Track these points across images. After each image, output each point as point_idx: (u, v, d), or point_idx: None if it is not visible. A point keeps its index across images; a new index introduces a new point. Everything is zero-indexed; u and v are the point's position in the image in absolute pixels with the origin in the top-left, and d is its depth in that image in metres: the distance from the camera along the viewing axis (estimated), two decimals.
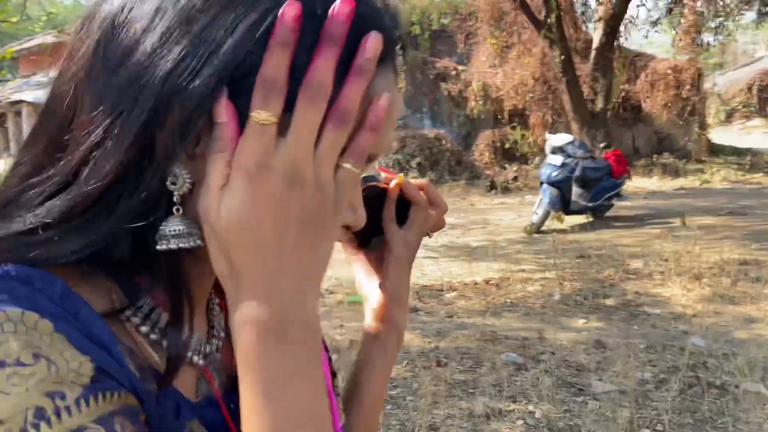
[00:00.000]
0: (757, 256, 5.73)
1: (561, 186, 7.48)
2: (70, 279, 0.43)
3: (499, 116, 14.16)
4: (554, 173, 7.55)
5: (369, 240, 0.68)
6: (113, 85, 0.42)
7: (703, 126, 14.32)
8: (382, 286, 0.68)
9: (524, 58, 13.98)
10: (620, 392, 3.25)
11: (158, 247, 0.43)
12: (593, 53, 13.02)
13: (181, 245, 0.43)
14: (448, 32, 14.77)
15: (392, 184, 0.66)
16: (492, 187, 11.88)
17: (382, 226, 0.66)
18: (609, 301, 4.81)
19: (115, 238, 0.43)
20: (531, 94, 13.79)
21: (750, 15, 13.72)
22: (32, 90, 14.89)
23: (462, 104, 14.07)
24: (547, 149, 8.04)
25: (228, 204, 0.41)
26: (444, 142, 12.96)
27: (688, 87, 13.87)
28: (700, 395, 3.18)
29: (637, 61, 14.49)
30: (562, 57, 11.58)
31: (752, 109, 22.89)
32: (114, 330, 0.43)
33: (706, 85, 15.24)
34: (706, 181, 11.92)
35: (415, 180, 0.68)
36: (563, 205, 7.57)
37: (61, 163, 0.44)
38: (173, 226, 0.43)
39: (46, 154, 0.45)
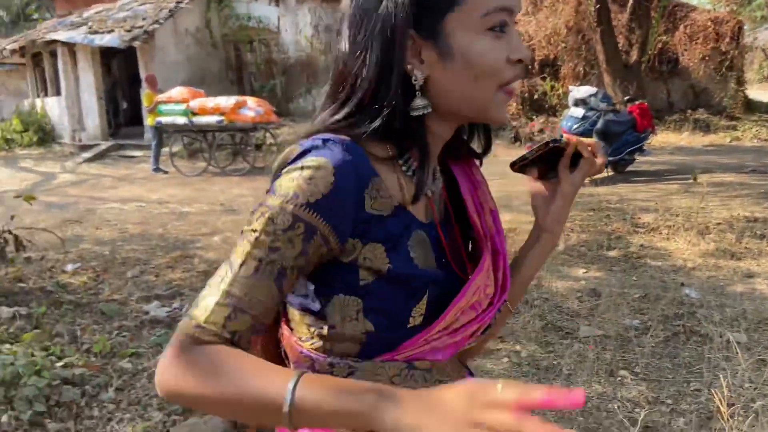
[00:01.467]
0: (767, 214, 5.69)
1: None
2: (367, 143, 0.81)
3: (529, 66, 13.88)
4: (575, 126, 7.50)
5: (547, 177, 0.96)
6: (358, 39, 0.80)
7: (741, 82, 13.81)
8: (549, 207, 0.96)
9: (558, 6, 13.59)
10: (605, 336, 3.38)
11: (412, 113, 0.81)
12: (630, 2, 12.58)
13: (423, 112, 0.82)
14: None
15: (570, 142, 0.94)
16: (516, 138, 11.80)
17: (558, 170, 0.94)
18: (612, 253, 4.88)
19: (388, 118, 0.80)
20: (564, 44, 13.46)
21: None
22: (66, 30, 15.02)
23: None
24: (570, 101, 7.95)
25: None
26: None
27: (727, 40, 13.35)
28: (683, 343, 3.29)
29: (676, 12, 13.93)
30: (598, 5, 11.23)
31: None
32: (385, 168, 0.82)
33: (749, 39, 14.62)
34: (736, 139, 11.62)
35: (587, 139, 0.97)
36: None
37: (347, 86, 0.82)
38: (418, 102, 0.81)
39: (335, 90, 0.84)
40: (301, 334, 0.87)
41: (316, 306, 0.83)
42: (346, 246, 0.79)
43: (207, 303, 0.76)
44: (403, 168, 0.85)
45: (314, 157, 0.77)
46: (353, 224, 0.79)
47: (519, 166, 0.96)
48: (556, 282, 4.27)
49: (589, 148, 0.94)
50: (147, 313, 3.83)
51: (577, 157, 0.94)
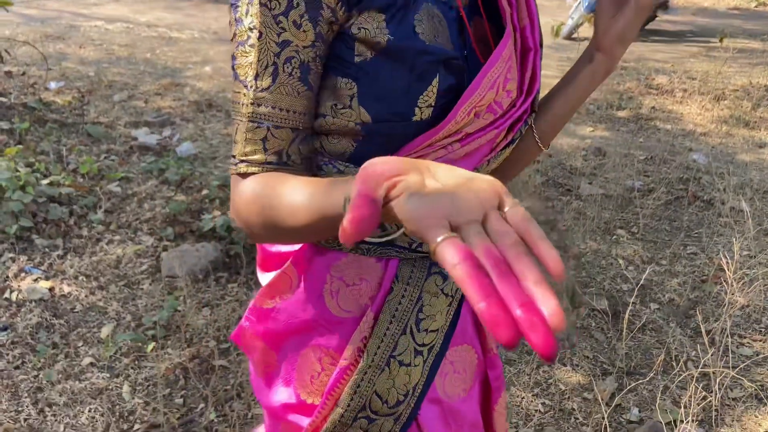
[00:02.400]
0: None
1: None
2: None
3: None
4: None
5: None
6: None
7: None
8: (615, 20, 0.77)
9: None
10: (606, 196, 3.31)
11: None
12: None
13: None
14: None
15: None
16: None
17: None
18: (621, 113, 4.70)
19: None
20: None
21: None
22: None
23: None
24: None
25: None
26: None
27: None
28: (684, 207, 3.24)
29: None
30: None
31: None
32: None
33: None
34: (762, 4, 10.92)
35: None
36: None
37: None
38: None
39: None
40: None
41: None
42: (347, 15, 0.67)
43: (239, 135, 0.68)
44: None
45: None
46: None
47: None
48: (561, 139, 4.13)
49: None
50: (136, 138, 3.67)
51: None
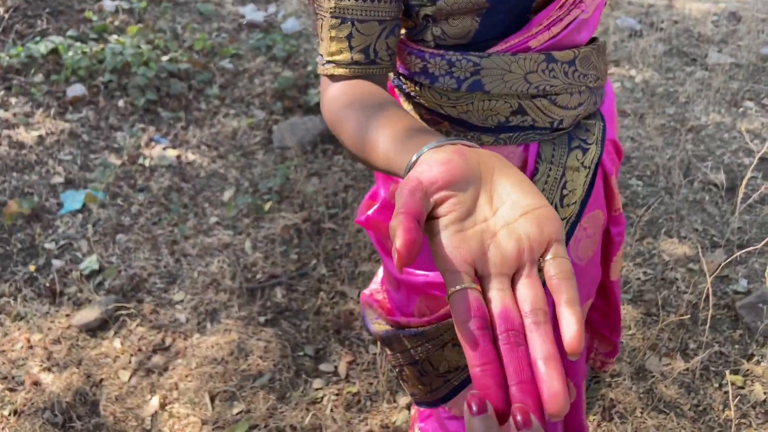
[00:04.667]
0: None
1: None
2: None
3: None
4: None
5: None
6: None
7: None
8: None
9: None
10: (736, 65, 3.02)
11: None
12: None
13: None
14: None
15: None
16: None
17: None
18: None
19: None
20: None
21: None
22: None
23: None
24: None
25: None
26: None
27: None
28: None
29: None
30: None
31: None
32: None
33: None
34: None
35: None
36: None
37: None
38: None
39: None
40: (403, 25, 0.73)
41: None
42: None
43: (324, 32, 0.65)
44: None
45: None
46: None
47: None
48: (690, 3, 3.73)
49: None
50: (243, 16, 3.75)
51: None
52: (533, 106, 0.73)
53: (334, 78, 0.67)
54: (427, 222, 0.40)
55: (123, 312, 1.82)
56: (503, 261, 0.38)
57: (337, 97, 0.65)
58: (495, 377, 0.34)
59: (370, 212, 0.86)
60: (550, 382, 0.34)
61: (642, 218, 2.08)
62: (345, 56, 0.65)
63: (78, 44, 2.92)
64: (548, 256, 0.38)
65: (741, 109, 2.70)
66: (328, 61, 0.66)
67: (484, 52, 0.70)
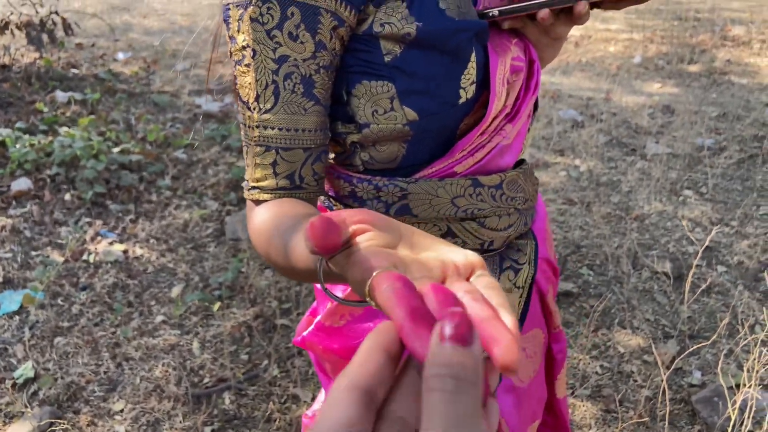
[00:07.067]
0: None
1: None
2: None
3: None
4: None
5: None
6: None
7: None
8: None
9: None
10: (673, 155, 3.18)
11: None
12: None
13: None
14: None
15: None
16: None
17: None
18: (693, 68, 4.46)
19: None
20: None
21: None
22: None
23: None
24: None
25: None
26: None
27: None
28: (758, 165, 3.08)
29: None
30: None
31: None
32: None
33: None
34: None
35: None
36: None
37: None
38: None
39: None
40: (332, 150, 0.73)
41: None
42: (360, 15, 0.62)
43: (249, 159, 0.65)
44: None
45: None
46: None
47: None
48: (626, 96, 3.97)
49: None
50: (199, 106, 3.79)
51: None
52: (462, 229, 0.73)
53: (258, 203, 0.66)
54: (343, 251, 0.36)
55: (57, 428, 1.69)
56: (427, 271, 0.34)
57: (264, 222, 0.63)
58: (425, 321, 0.27)
59: (305, 333, 0.84)
60: (499, 334, 0.27)
61: (596, 309, 2.10)
62: (270, 182, 0.64)
63: (26, 136, 2.87)
64: (473, 277, 0.35)
65: (681, 198, 2.82)
66: (253, 187, 0.65)
67: (412, 177, 0.70)
